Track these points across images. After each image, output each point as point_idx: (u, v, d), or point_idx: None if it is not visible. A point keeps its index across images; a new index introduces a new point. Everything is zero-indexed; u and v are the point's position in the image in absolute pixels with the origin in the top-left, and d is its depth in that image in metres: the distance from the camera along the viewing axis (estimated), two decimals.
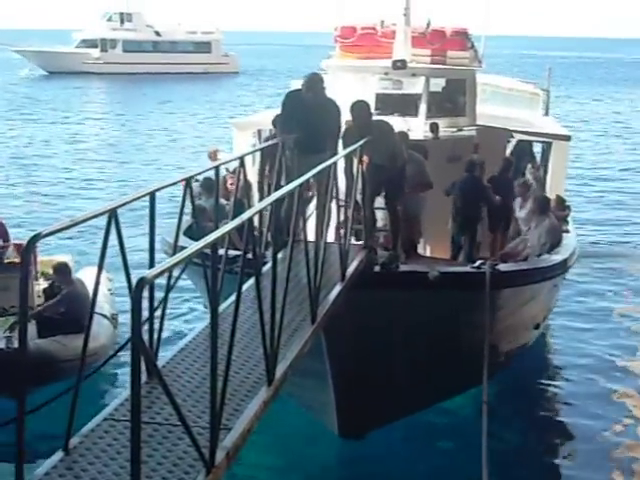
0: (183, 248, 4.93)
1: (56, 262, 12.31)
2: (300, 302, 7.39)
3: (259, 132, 14.65)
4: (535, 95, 20.37)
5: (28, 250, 4.89)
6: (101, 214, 5.61)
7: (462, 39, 15.13)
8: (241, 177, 8.77)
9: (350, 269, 8.50)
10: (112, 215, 5.62)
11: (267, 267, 7.30)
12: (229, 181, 12.86)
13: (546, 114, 19.70)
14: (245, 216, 5.57)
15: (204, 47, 78.65)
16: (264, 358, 6.02)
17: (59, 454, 5.29)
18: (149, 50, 76.74)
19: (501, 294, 10.33)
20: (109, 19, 76.10)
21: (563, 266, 11.75)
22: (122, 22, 75.73)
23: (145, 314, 6.56)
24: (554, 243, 11.94)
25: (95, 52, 75.67)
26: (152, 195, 6.35)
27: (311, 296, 7.08)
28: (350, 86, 13.80)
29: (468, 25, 15.87)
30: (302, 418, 10.76)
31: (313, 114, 9.47)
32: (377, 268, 9.30)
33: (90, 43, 75.98)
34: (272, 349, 6.06)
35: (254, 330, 6.62)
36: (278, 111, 10.31)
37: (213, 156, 14.90)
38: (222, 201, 11.17)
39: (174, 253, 6.23)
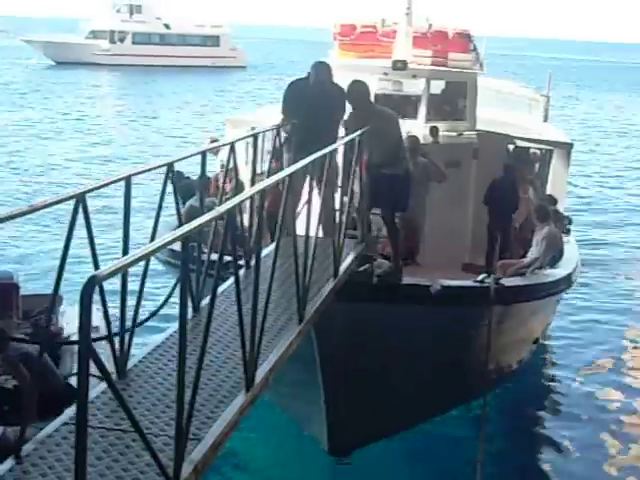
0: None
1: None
2: (288, 300, 6.89)
3: (253, 129, 14.12)
4: (535, 101, 19.90)
5: None
6: (67, 199, 5.10)
7: (464, 41, 14.70)
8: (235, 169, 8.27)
9: (343, 265, 7.98)
10: (80, 201, 5.11)
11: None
12: (221, 179, 12.19)
13: (545, 120, 19.25)
14: (222, 208, 5.05)
15: (213, 41, 78.29)
16: (242, 361, 5.50)
17: (9, 462, 4.77)
18: (158, 42, 76.32)
19: (504, 309, 10.04)
20: (118, 10, 75.63)
21: (567, 281, 11.54)
22: (131, 14, 75.32)
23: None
24: (555, 254, 11.60)
25: (104, 43, 75.23)
26: (128, 180, 5.83)
27: (298, 294, 6.56)
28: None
29: (467, 26, 15.45)
30: (291, 431, 10.37)
31: (318, 102, 9.05)
32: (375, 280, 8.88)
33: (99, 34, 75.55)
34: (252, 351, 5.54)
35: (236, 330, 6.10)
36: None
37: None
38: (212, 200, 10.43)
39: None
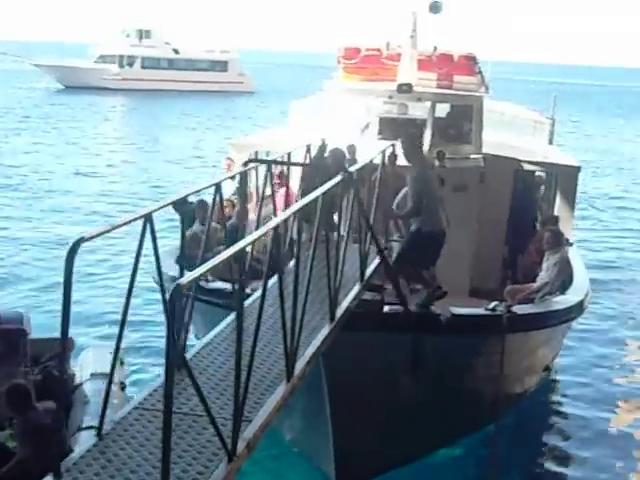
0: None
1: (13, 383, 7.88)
2: (320, 301, 7.65)
3: (256, 153, 13.87)
4: (540, 123, 19.89)
5: (71, 258, 4.91)
6: (137, 219, 5.93)
7: (470, 64, 14.57)
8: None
9: (369, 270, 8.77)
10: (147, 220, 5.95)
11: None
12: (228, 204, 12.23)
13: (550, 143, 19.33)
14: (273, 223, 5.92)
15: (221, 66, 79.46)
16: (284, 355, 6.35)
17: (93, 439, 5.66)
18: (166, 67, 77.48)
19: (516, 338, 9.93)
20: (127, 35, 76.81)
21: (579, 308, 11.50)
22: (140, 38, 76.47)
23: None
24: (565, 279, 11.60)
25: (114, 68, 76.43)
26: (184, 200, 6.76)
27: (330, 295, 7.40)
28: (353, 109, 13.44)
29: (472, 49, 15.22)
30: (300, 465, 10.44)
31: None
32: (414, 308, 9.17)
33: (108, 59, 76.75)
34: (292, 347, 6.40)
35: (277, 326, 6.81)
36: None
37: (228, 166, 14.74)
38: (215, 225, 10.26)
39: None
